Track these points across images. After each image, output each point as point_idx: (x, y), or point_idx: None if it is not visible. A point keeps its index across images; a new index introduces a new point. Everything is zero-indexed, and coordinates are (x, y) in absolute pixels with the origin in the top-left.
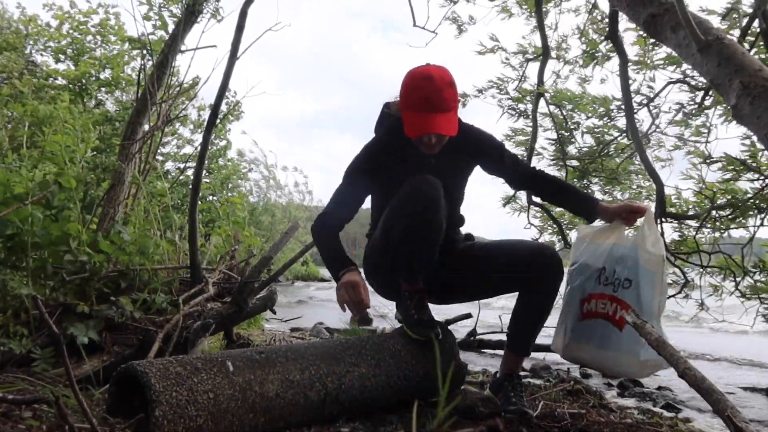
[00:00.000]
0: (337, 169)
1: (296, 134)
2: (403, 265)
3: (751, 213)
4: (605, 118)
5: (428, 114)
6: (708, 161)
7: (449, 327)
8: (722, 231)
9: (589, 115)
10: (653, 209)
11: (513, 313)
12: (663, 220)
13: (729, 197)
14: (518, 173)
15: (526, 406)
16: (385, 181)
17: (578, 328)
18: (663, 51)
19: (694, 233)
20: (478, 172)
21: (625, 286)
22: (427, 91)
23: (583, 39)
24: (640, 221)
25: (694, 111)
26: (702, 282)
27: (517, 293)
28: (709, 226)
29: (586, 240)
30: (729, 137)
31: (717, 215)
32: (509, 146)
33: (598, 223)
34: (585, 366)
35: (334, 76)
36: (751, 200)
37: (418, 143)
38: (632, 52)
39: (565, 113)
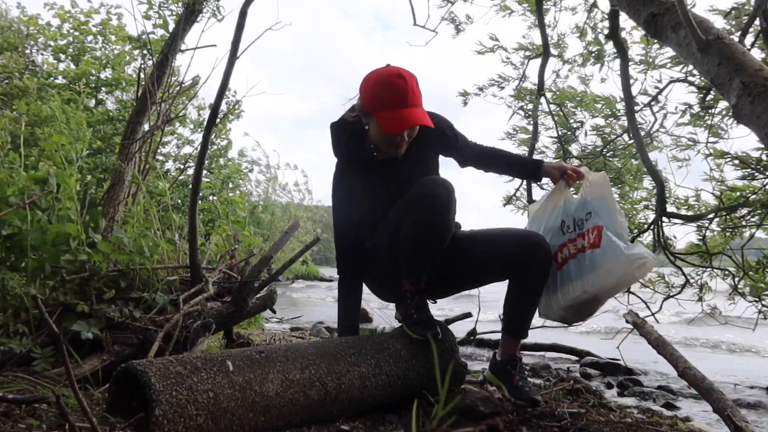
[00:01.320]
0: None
1: (292, 134)
2: (410, 266)
3: (759, 212)
4: (611, 119)
5: (405, 110)
6: (713, 159)
7: (449, 326)
8: (732, 231)
9: (594, 114)
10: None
11: (506, 298)
12: (663, 220)
13: (740, 197)
14: (468, 152)
15: (535, 392)
16: (365, 193)
17: (559, 277)
18: (670, 51)
19: (703, 234)
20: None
21: (587, 218)
22: (403, 88)
23: (582, 38)
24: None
25: (701, 113)
26: (715, 285)
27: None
28: (721, 226)
29: (539, 213)
30: (741, 137)
31: (725, 215)
32: (511, 144)
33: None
34: (576, 317)
35: (335, 76)
36: (759, 199)
37: (388, 145)
38: (636, 51)
39: (565, 111)
